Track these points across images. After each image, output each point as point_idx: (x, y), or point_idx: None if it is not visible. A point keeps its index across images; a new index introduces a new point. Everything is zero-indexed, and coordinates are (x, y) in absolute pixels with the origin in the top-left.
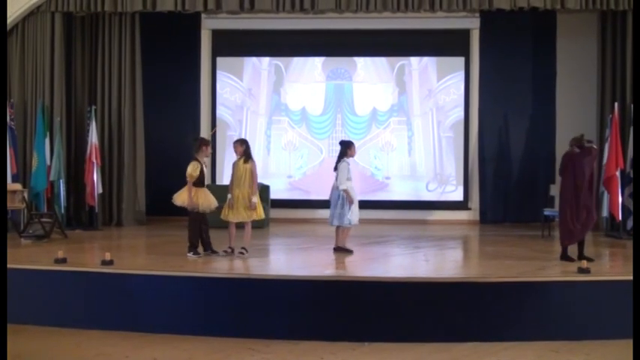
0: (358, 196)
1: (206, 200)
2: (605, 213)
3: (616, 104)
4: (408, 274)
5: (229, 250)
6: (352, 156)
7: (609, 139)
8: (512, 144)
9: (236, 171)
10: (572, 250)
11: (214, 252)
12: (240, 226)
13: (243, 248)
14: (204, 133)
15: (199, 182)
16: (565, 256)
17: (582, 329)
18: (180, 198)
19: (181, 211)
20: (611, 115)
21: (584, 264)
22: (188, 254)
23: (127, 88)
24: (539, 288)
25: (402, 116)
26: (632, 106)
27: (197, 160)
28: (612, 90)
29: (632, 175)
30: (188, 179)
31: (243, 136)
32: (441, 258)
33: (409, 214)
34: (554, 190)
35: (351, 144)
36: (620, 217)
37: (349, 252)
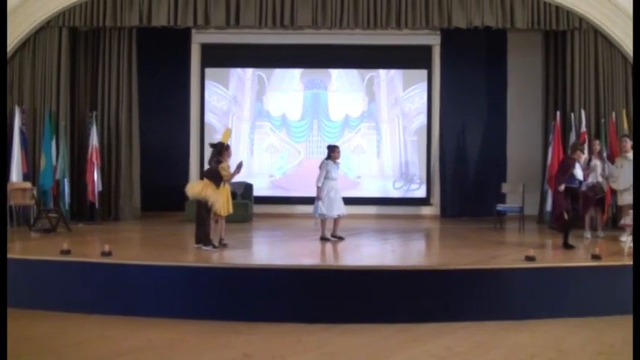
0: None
1: (218, 198)
2: (548, 207)
3: (558, 112)
4: (377, 262)
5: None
6: (335, 158)
7: (552, 143)
8: (469, 147)
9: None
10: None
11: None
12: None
13: (222, 239)
14: (194, 136)
15: (219, 181)
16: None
17: (528, 310)
18: (194, 191)
19: (174, 206)
20: (553, 122)
21: (531, 252)
22: (205, 247)
23: (125, 96)
24: (491, 274)
25: (372, 122)
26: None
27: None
28: (555, 100)
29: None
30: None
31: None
32: (406, 248)
33: (378, 210)
34: (506, 188)
35: (334, 148)
36: None
37: (325, 240)
